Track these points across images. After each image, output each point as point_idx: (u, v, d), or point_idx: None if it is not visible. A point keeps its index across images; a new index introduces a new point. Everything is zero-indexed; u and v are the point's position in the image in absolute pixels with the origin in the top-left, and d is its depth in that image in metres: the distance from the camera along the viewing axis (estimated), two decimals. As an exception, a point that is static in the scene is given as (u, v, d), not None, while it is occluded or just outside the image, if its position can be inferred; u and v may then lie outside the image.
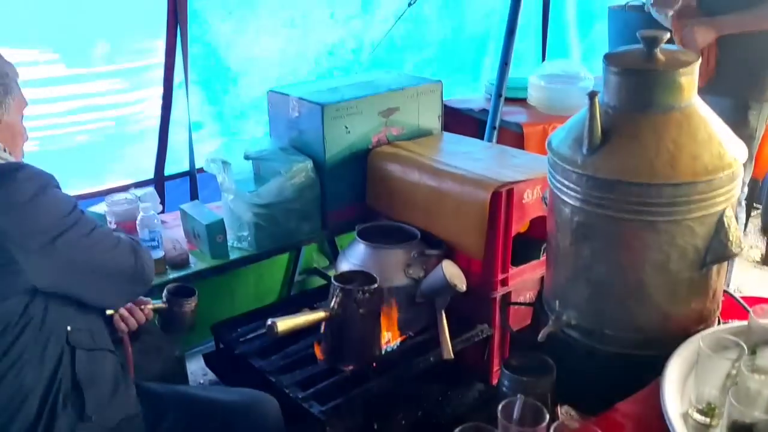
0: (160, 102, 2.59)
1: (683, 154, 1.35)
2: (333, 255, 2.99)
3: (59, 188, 1.29)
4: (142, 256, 1.40)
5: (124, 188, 2.33)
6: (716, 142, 1.38)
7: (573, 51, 4.06)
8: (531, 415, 1.15)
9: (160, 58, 2.52)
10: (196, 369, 2.38)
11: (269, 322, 1.57)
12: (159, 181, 2.76)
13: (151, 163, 2.70)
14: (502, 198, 1.81)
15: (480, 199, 1.81)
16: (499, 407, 1.16)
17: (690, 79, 1.39)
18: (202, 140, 2.76)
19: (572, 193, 1.47)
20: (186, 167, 2.78)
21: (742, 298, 1.64)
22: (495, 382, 2.01)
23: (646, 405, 1.28)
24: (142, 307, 1.52)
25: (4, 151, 1.27)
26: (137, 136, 2.64)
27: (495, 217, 1.82)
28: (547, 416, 1.09)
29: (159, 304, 1.58)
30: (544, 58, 3.94)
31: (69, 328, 1.28)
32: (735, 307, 1.68)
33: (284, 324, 1.58)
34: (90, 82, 2.34)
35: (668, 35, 1.41)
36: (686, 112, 1.39)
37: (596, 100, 1.37)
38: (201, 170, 2.82)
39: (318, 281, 2.98)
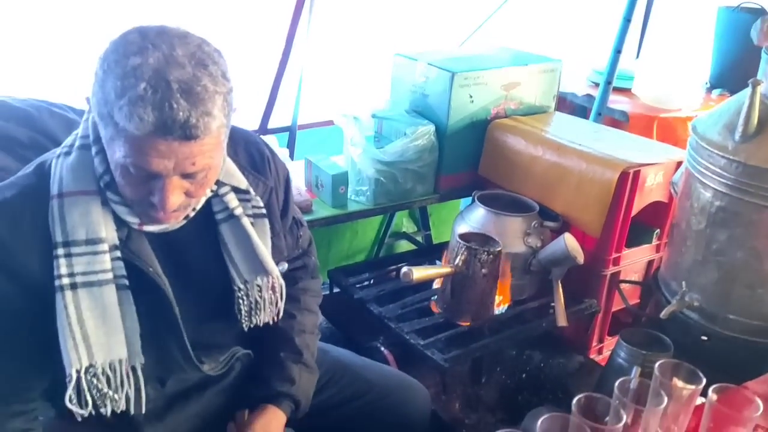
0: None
1: (840, 150, 1.38)
2: (422, 222, 3.08)
3: None
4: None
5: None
6: None
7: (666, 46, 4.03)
8: (646, 390, 1.14)
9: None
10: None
11: (405, 269, 1.66)
12: (262, 134, 2.88)
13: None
14: (629, 179, 1.85)
15: (606, 178, 1.86)
16: (618, 382, 1.13)
17: None
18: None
19: (716, 178, 1.51)
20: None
21: None
22: (592, 355, 2.08)
23: (776, 386, 1.33)
24: None
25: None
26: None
27: (618, 198, 1.87)
28: (703, 379, 1.13)
29: None
30: (639, 51, 3.93)
31: None
32: None
33: (419, 272, 1.66)
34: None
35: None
36: None
37: (758, 89, 1.41)
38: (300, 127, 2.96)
39: (405, 246, 3.08)
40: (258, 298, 1.17)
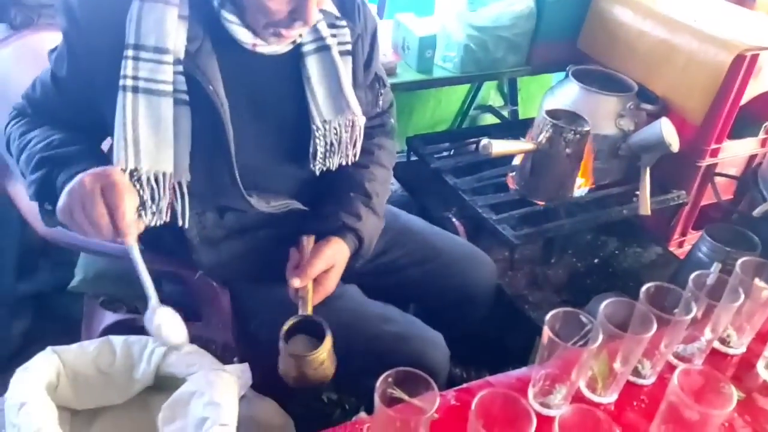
0: None
1: None
2: (510, 96, 2.95)
3: None
4: None
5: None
6: None
7: None
8: (722, 288, 1.06)
9: None
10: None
11: (485, 141, 1.60)
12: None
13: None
14: (743, 63, 1.68)
15: (719, 60, 1.69)
16: (694, 275, 1.08)
17: None
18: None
19: None
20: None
21: None
22: (672, 248, 2.00)
23: None
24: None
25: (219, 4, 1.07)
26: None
27: (728, 83, 1.70)
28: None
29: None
30: None
31: None
32: None
33: (499, 146, 1.61)
34: None
35: None
36: None
37: None
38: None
39: (489, 119, 2.98)
40: (334, 140, 1.16)
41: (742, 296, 1.03)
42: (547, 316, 0.93)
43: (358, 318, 1.22)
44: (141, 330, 1.19)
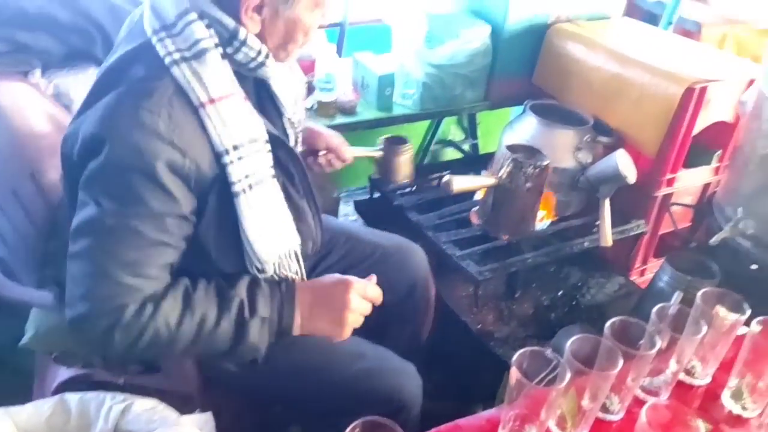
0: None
1: None
2: (470, 130, 2.99)
3: None
4: None
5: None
6: None
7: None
8: (684, 318, 1.07)
9: None
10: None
11: (446, 177, 1.61)
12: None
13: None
14: (693, 96, 1.73)
15: (670, 93, 1.74)
16: (656, 308, 1.09)
17: None
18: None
19: (792, 99, 1.39)
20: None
21: None
22: (633, 277, 2.03)
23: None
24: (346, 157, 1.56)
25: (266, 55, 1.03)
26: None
27: (680, 115, 1.75)
28: (748, 310, 1.08)
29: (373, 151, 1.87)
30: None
31: None
32: None
33: (459, 182, 1.61)
34: None
35: None
36: None
37: None
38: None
39: (451, 154, 3.01)
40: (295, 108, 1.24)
41: (705, 327, 1.03)
42: (514, 357, 0.92)
43: (328, 359, 1.21)
44: (98, 386, 1.14)
